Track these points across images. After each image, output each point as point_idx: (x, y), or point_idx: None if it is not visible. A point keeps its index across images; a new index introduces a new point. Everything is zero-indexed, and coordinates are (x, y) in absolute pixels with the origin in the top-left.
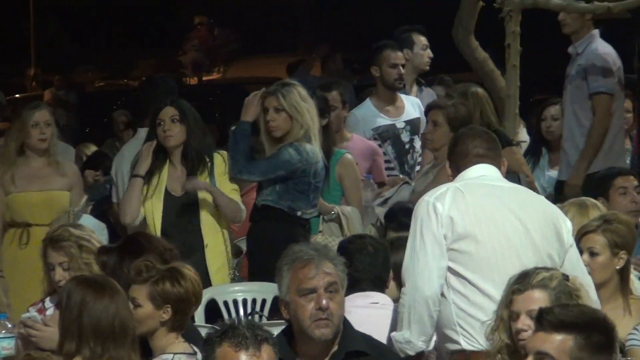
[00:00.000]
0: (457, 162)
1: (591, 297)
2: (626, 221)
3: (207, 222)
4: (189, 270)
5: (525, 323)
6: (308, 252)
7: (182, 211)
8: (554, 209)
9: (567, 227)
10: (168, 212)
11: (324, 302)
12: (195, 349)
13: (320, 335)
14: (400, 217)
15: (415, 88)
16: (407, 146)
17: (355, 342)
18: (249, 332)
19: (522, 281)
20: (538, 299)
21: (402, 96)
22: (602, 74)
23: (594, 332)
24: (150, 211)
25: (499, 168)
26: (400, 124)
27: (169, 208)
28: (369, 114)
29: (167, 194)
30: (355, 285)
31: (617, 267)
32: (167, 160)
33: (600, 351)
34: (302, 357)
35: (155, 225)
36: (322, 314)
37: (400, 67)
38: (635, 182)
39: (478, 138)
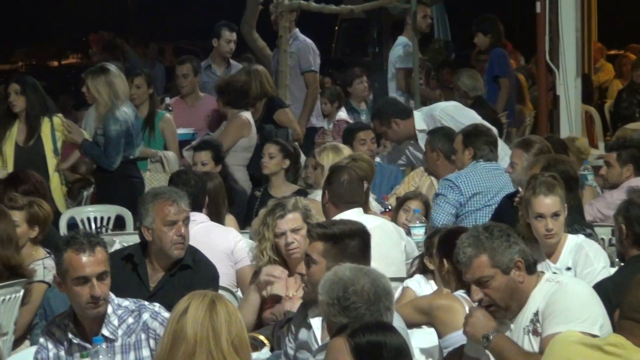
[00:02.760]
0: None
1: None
2: (368, 160)
3: (50, 166)
4: (44, 203)
5: (293, 237)
6: (171, 195)
7: (28, 157)
8: None
9: None
10: (17, 158)
11: (183, 230)
12: (48, 250)
13: (177, 255)
14: None
15: (223, 67)
16: None
17: (186, 258)
18: (85, 240)
19: (282, 209)
20: (297, 218)
21: None
22: (311, 57)
23: (346, 239)
24: (4, 156)
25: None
26: None
27: (17, 155)
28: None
29: (16, 144)
30: None
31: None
32: (17, 119)
33: (353, 256)
34: (152, 267)
35: (8, 168)
36: (180, 240)
37: (429, 18)
38: (372, 135)
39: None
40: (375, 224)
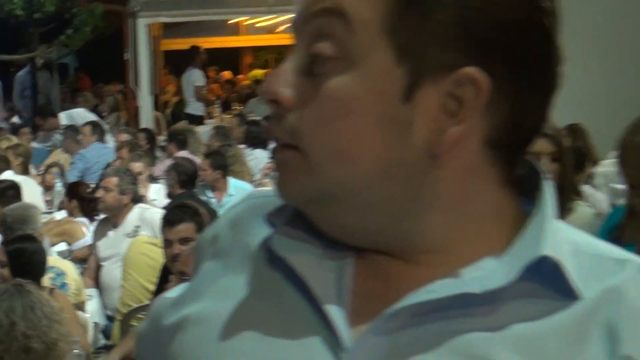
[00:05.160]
0: None
1: None
2: (26, 145)
3: None
4: None
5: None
6: None
7: None
8: None
9: None
10: None
11: None
12: None
13: None
14: None
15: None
16: None
17: None
18: None
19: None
20: None
21: None
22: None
23: (6, 191)
24: None
25: None
26: None
27: None
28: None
29: None
30: None
31: None
32: None
33: (12, 200)
34: None
35: None
36: None
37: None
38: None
39: None
40: (20, 179)
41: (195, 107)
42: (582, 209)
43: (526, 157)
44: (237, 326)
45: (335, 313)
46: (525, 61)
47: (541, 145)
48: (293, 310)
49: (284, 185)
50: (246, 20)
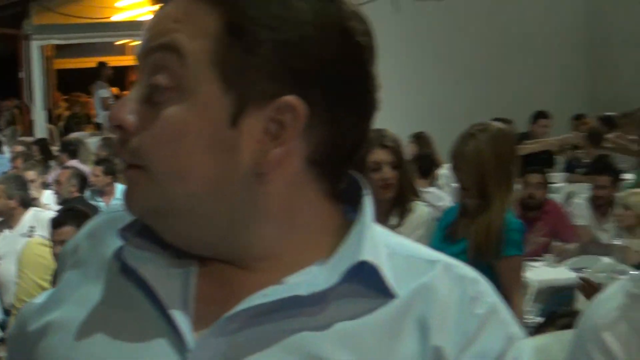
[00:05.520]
0: None
1: None
2: None
3: None
4: None
5: None
6: None
7: None
8: None
9: None
10: None
11: None
12: None
13: None
14: None
15: None
16: None
17: None
18: None
19: None
20: None
21: None
22: None
23: None
24: None
25: None
26: None
27: None
28: None
29: None
30: None
31: None
32: None
33: None
34: None
35: None
36: None
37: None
38: None
39: None
40: None
41: (103, 117)
42: (420, 209)
43: (349, 171)
44: (92, 332)
45: (180, 318)
46: (339, 90)
47: (382, 155)
48: (143, 317)
49: (129, 199)
50: (131, 41)
